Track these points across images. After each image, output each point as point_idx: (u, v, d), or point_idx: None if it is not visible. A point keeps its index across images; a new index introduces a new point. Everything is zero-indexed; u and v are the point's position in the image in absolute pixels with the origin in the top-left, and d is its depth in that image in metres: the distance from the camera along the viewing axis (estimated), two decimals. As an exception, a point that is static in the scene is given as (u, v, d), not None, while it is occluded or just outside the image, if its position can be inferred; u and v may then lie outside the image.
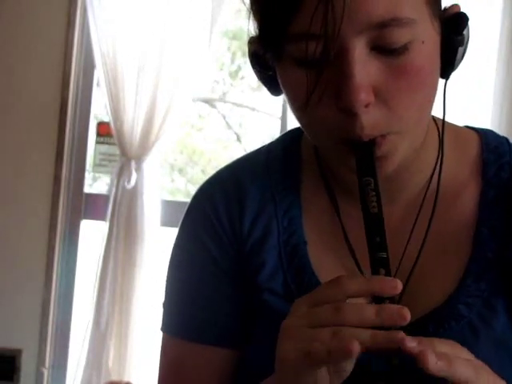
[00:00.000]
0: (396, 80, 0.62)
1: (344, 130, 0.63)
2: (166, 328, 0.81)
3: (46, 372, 2.37)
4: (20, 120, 2.38)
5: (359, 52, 0.60)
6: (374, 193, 0.63)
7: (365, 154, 0.64)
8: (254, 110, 2.86)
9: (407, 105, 0.63)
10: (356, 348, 0.54)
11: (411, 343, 0.55)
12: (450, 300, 0.70)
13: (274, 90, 0.71)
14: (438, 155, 0.74)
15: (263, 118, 2.97)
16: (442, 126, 0.75)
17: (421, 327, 0.69)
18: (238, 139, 3.09)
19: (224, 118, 3.09)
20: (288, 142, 0.82)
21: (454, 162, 0.76)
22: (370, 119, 0.62)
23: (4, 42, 2.38)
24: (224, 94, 3.04)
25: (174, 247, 0.83)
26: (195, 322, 0.78)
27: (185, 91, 2.31)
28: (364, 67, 0.60)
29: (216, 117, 3.13)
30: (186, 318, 0.79)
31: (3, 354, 2.35)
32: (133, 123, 2.31)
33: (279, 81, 0.68)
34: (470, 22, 0.68)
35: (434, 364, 0.54)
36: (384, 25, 0.59)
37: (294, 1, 0.59)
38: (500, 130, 2.24)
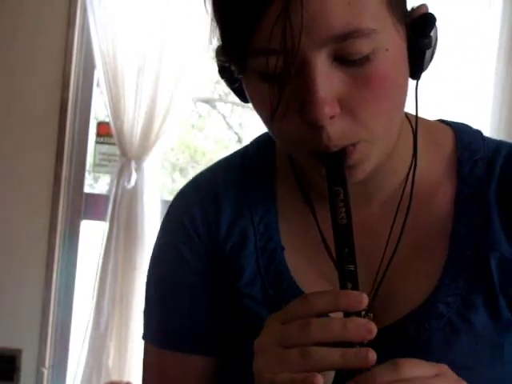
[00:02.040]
0: (360, 90, 0.61)
1: (312, 142, 0.62)
2: (145, 336, 0.81)
3: (45, 372, 2.37)
4: (20, 120, 2.38)
5: (321, 65, 0.59)
6: (343, 203, 0.62)
7: (335, 164, 0.63)
8: (254, 110, 2.86)
9: (373, 114, 0.62)
10: (320, 382, 0.55)
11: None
12: (430, 299, 0.69)
13: (244, 99, 0.70)
14: (413, 155, 0.74)
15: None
16: (415, 127, 0.74)
17: (401, 328, 0.69)
18: (239, 139, 3.09)
19: (224, 118, 3.09)
20: (262, 145, 0.81)
21: (428, 160, 0.75)
22: (337, 130, 0.61)
23: (4, 42, 2.37)
24: (225, 94, 3.04)
25: (151, 256, 0.82)
26: (170, 331, 0.78)
27: (185, 91, 2.31)
28: (327, 80, 0.59)
29: (216, 117, 3.13)
30: (161, 327, 0.79)
31: (3, 353, 2.35)
32: (133, 123, 2.31)
33: (246, 93, 0.67)
34: (437, 22, 0.66)
35: None
36: (345, 37, 0.58)
37: (254, 16, 0.58)
38: (499, 130, 2.24)
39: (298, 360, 0.57)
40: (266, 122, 0.65)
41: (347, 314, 0.59)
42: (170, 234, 0.80)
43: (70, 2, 2.37)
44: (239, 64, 0.63)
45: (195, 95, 2.41)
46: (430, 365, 0.58)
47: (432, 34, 0.66)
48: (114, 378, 2.27)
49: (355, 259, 0.61)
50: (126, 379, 2.26)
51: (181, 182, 3.14)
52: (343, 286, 0.60)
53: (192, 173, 3.18)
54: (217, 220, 0.77)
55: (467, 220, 0.72)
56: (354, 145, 0.62)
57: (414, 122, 0.74)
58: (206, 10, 0.65)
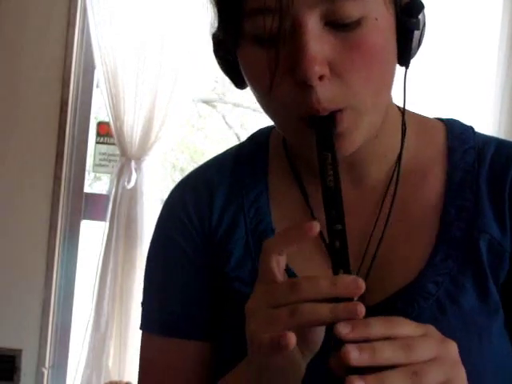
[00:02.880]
0: (350, 55, 0.63)
1: (302, 104, 0.64)
2: (143, 326, 0.83)
3: (46, 372, 2.37)
4: (20, 120, 2.38)
5: (312, 26, 0.61)
6: (330, 166, 0.63)
7: (323, 129, 0.64)
8: (254, 110, 2.87)
9: (362, 80, 0.64)
10: (292, 341, 0.55)
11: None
12: (419, 278, 0.71)
13: (238, 81, 0.72)
14: (402, 141, 0.76)
15: (263, 118, 2.96)
16: (403, 111, 0.76)
17: (389, 306, 0.70)
18: (238, 139, 3.09)
19: (224, 118, 3.10)
20: (256, 137, 0.84)
21: (418, 146, 0.77)
22: (326, 92, 0.63)
23: (4, 43, 2.38)
24: (224, 94, 3.04)
25: (149, 246, 0.85)
26: (169, 318, 0.79)
27: (184, 91, 2.31)
28: (318, 41, 0.61)
29: (216, 117, 3.13)
30: (160, 314, 0.80)
31: (3, 353, 2.35)
32: (133, 123, 2.31)
33: (241, 67, 0.69)
34: (425, 10, 0.69)
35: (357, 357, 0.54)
36: None
37: None
38: (500, 131, 2.24)
39: (287, 318, 0.57)
40: (261, 90, 0.67)
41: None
42: (166, 224, 0.82)
43: (70, 2, 2.37)
44: (234, 32, 0.65)
45: (195, 95, 2.41)
46: (417, 325, 0.58)
47: (420, 17, 0.68)
48: (114, 378, 2.27)
49: (343, 219, 0.61)
50: (126, 379, 2.26)
51: (181, 182, 3.13)
52: (331, 246, 0.61)
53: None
54: (209, 209, 0.79)
55: (457, 203, 0.73)
56: (342, 111, 0.64)
57: (403, 110, 0.76)
58: None
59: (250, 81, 0.69)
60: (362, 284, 0.57)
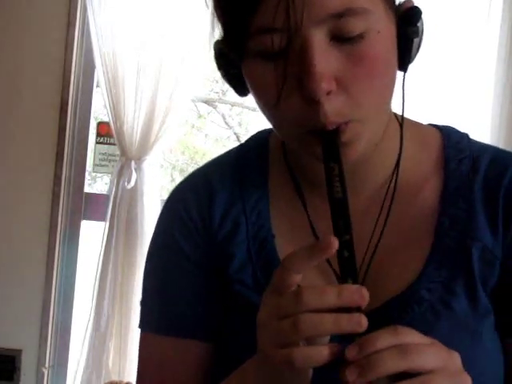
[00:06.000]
0: (354, 68, 0.64)
1: (309, 119, 0.65)
2: (142, 325, 0.83)
3: (46, 372, 2.37)
4: (20, 120, 2.38)
5: (319, 42, 0.62)
6: (337, 178, 0.64)
7: (330, 141, 0.65)
8: (254, 110, 2.87)
9: (366, 92, 0.65)
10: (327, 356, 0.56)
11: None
12: (413, 286, 0.72)
13: (241, 89, 0.73)
14: (400, 149, 0.77)
15: (262, 117, 2.96)
16: (401, 119, 0.77)
17: (384, 313, 0.71)
18: (238, 139, 3.10)
19: (223, 117, 3.10)
20: (256, 141, 0.85)
21: (415, 156, 0.78)
22: (333, 107, 0.64)
23: (4, 42, 2.38)
24: (223, 92, 3.04)
25: (149, 246, 0.85)
26: (168, 317, 0.80)
27: (185, 91, 2.31)
28: (324, 57, 0.62)
29: (215, 117, 3.13)
30: (160, 314, 0.81)
31: (3, 353, 2.35)
32: (133, 123, 2.31)
33: (246, 79, 0.70)
34: (423, 16, 0.70)
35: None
36: (340, 15, 0.62)
37: None
38: (499, 133, 2.24)
39: (291, 330, 0.57)
40: (267, 104, 0.67)
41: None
42: (167, 224, 0.83)
43: (70, 2, 2.37)
44: (240, 48, 0.66)
45: (195, 95, 2.41)
46: (423, 336, 0.59)
47: (419, 25, 0.70)
48: (114, 378, 2.28)
49: (351, 230, 0.62)
50: (126, 379, 2.27)
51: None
52: (340, 255, 0.61)
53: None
54: (210, 210, 0.79)
55: (452, 212, 0.75)
56: (347, 123, 0.65)
57: (401, 118, 0.77)
58: (206, 1, 0.68)
59: (255, 94, 0.69)
60: (367, 294, 0.58)
